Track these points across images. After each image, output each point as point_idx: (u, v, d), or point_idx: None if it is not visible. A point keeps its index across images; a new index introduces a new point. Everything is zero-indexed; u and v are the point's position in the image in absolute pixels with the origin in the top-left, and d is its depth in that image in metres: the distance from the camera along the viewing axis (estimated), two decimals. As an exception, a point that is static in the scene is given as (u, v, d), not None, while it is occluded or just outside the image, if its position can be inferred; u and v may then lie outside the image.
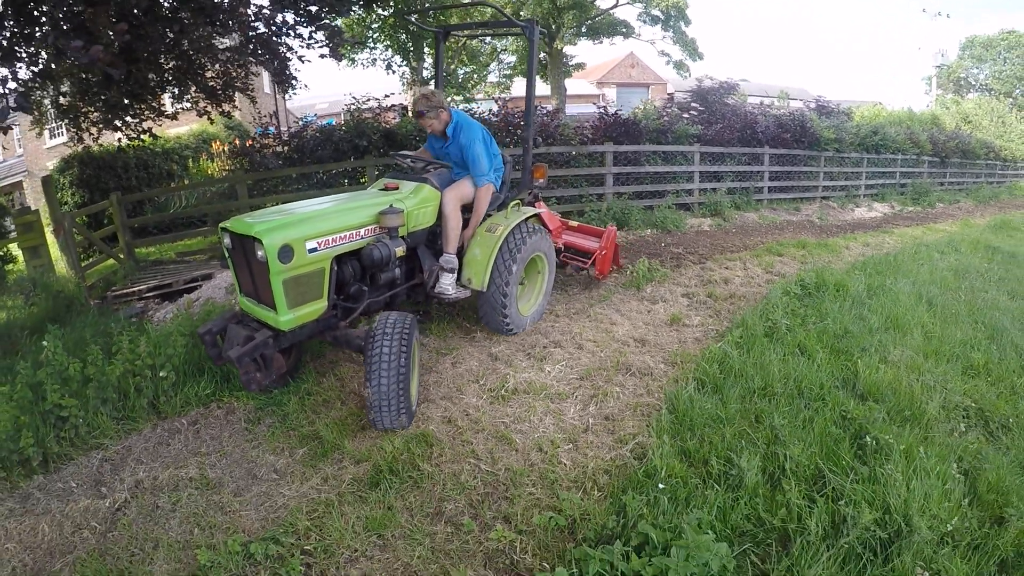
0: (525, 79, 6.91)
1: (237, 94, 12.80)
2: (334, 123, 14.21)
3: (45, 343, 5.60)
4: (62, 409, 4.92)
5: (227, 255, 4.92)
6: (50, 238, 11.65)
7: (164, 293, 9.43)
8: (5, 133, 7.48)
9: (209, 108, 12.55)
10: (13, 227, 12.90)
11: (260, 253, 4.37)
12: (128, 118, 12.24)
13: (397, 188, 5.72)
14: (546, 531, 3.53)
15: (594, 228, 8.36)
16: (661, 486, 3.68)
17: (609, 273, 8.17)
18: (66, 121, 12.77)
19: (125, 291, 9.46)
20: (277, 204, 12.57)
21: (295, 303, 4.62)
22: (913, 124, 22.86)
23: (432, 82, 6.11)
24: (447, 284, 5.79)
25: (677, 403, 4.80)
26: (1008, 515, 3.51)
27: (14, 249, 14.07)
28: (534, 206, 6.93)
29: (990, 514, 3.59)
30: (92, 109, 12.25)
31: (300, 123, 15.58)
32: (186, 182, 17.31)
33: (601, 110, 14.65)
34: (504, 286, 6.02)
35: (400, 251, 5.21)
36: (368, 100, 14.28)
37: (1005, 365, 5.91)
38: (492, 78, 29.76)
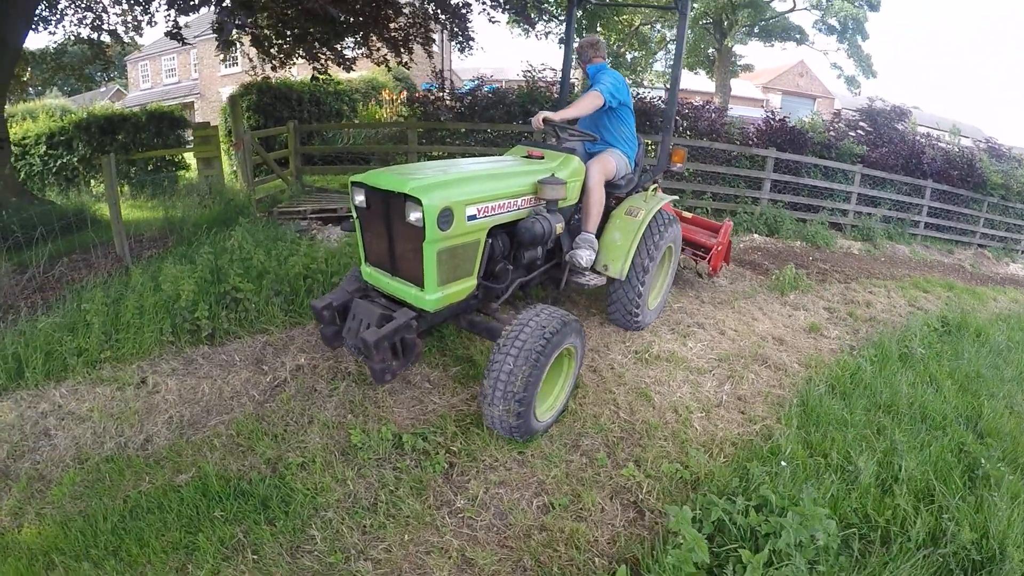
0: (674, 57, 6.02)
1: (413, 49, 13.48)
2: (496, 88, 14.61)
3: (234, 233, 6.44)
4: (238, 292, 5.52)
5: (355, 215, 4.22)
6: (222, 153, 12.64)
7: (327, 217, 10.05)
8: (228, 48, 8.32)
9: (388, 57, 13.25)
10: (191, 138, 13.97)
11: (415, 216, 3.66)
12: (313, 53, 13.08)
13: (542, 157, 5.10)
14: (671, 479, 3.85)
15: (708, 221, 8.04)
16: (783, 463, 3.91)
17: (720, 269, 7.90)
18: (258, 51, 13.67)
19: (290, 209, 10.14)
20: (444, 156, 13.24)
21: (446, 279, 3.96)
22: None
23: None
24: (584, 258, 5.08)
25: (808, 398, 4.96)
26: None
27: (188, 158, 15.28)
28: None
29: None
30: (283, 42, 13.16)
31: (466, 85, 16.07)
32: (356, 122, 18.21)
33: (769, 114, 14.56)
34: (642, 275, 5.58)
35: (560, 227, 4.63)
36: (544, 69, 14.67)
37: None
38: (658, 67, 29.51)
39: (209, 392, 4.52)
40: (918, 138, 16.03)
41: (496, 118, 13.16)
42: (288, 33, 12.95)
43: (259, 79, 15.91)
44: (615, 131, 5.67)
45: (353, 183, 4.05)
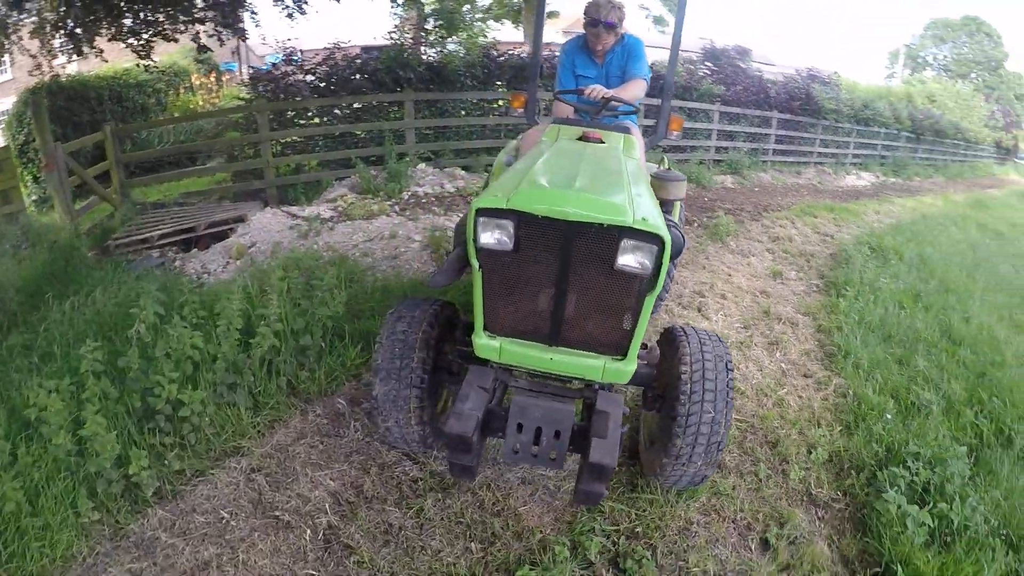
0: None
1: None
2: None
3: (143, 310, 3.71)
4: (181, 407, 3.36)
5: (478, 263, 2.65)
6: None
7: (183, 240, 8.13)
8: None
9: (218, 30, 11.74)
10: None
11: (638, 260, 2.44)
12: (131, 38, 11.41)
13: (601, 141, 3.70)
14: (816, 465, 3.73)
15: None
16: (888, 416, 4.16)
17: None
18: (45, 39, 11.74)
19: (131, 238, 7.94)
20: (302, 141, 11.66)
21: (641, 335, 2.79)
22: (893, 101, 24.22)
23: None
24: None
25: (849, 350, 5.12)
26: None
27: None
28: None
29: None
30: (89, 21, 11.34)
31: (266, 61, 14.26)
32: (175, 115, 16.22)
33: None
34: (672, 270, 4.89)
35: None
36: (410, 29, 13.73)
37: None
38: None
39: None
40: (762, 75, 17.54)
41: (359, 89, 11.56)
42: (97, 7, 10.97)
43: (46, 79, 13.52)
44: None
45: (484, 211, 2.52)
